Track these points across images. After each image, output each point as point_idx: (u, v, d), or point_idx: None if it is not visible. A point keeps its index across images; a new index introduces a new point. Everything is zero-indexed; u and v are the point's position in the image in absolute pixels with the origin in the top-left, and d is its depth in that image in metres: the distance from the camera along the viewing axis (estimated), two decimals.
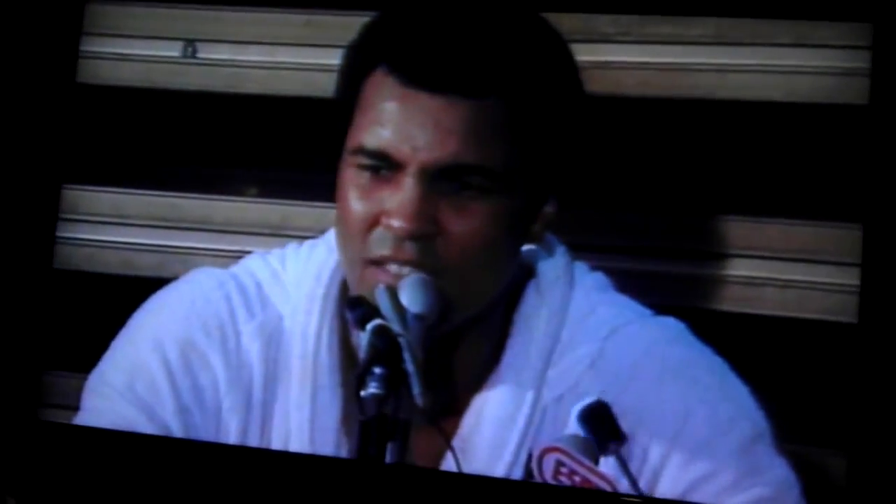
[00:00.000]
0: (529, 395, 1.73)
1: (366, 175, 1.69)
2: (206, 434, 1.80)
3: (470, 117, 1.65)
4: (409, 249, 1.65)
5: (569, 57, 1.75)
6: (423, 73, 1.65)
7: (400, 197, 1.65)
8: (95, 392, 1.87)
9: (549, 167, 1.72)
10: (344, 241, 1.73)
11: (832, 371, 1.77)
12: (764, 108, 1.82)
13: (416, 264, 1.65)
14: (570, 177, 1.75)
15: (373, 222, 1.67)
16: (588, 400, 1.67)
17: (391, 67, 1.67)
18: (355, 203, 1.69)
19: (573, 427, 1.65)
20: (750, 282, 1.82)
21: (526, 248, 1.76)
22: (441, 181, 1.66)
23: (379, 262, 1.67)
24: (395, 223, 1.65)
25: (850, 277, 1.78)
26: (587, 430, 1.65)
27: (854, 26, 1.81)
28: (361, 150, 1.69)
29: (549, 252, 1.79)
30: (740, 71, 1.84)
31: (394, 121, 1.66)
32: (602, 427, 1.64)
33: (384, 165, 1.67)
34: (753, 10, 1.83)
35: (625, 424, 1.69)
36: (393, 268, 1.66)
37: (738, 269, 1.83)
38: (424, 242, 1.65)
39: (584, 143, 1.77)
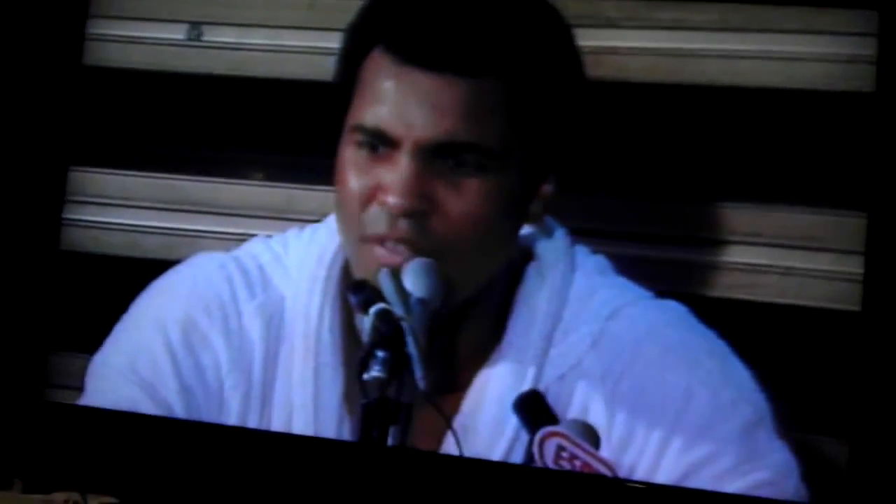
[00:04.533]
0: (531, 373, 1.73)
1: (363, 153, 1.69)
2: (207, 413, 1.81)
3: (465, 96, 1.66)
4: (404, 227, 1.66)
5: (567, 36, 1.75)
6: (419, 51, 1.66)
7: (395, 174, 1.66)
8: (98, 375, 1.88)
9: (546, 146, 1.72)
10: (341, 217, 1.74)
11: (834, 358, 1.77)
12: (768, 95, 1.82)
13: (411, 242, 1.65)
14: (569, 156, 1.75)
15: (369, 198, 1.68)
16: (523, 390, 1.70)
17: (388, 47, 1.68)
18: (352, 179, 1.70)
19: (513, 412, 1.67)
20: (752, 268, 1.82)
21: (526, 231, 1.77)
22: (436, 159, 1.66)
23: (375, 240, 1.67)
24: (390, 199, 1.66)
25: (852, 265, 1.78)
26: (522, 418, 1.66)
27: (859, 13, 1.80)
28: (359, 129, 1.70)
29: (549, 235, 1.79)
30: (745, 57, 1.84)
31: (390, 99, 1.67)
32: (537, 414, 1.65)
33: (381, 143, 1.68)
34: None
35: (626, 405, 1.70)
36: (389, 245, 1.67)
37: (741, 255, 1.83)
38: (419, 220, 1.66)
39: (583, 123, 1.77)
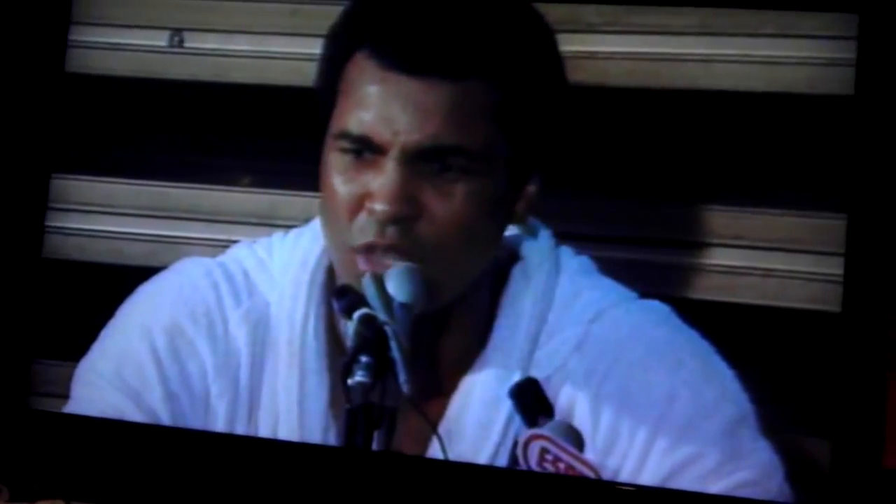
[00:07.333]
0: (516, 377, 1.74)
1: (349, 158, 1.70)
2: (194, 420, 1.82)
3: (449, 99, 1.67)
4: (392, 234, 1.67)
5: (549, 38, 1.76)
6: (403, 55, 1.67)
7: (382, 180, 1.67)
8: (84, 381, 1.89)
9: (530, 148, 1.73)
10: (328, 225, 1.75)
11: (816, 358, 1.78)
12: (749, 98, 1.83)
13: (398, 250, 1.66)
14: (552, 157, 1.76)
15: (356, 206, 1.69)
16: (518, 377, 1.72)
17: (371, 51, 1.69)
18: (339, 186, 1.70)
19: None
20: (733, 271, 1.83)
21: (511, 232, 1.78)
22: (422, 163, 1.67)
23: (362, 251, 1.68)
24: (378, 206, 1.67)
25: (832, 267, 1.79)
26: (517, 406, 1.67)
27: (839, 17, 1.82)
28: (344, 135, 1.70)
29: (534, 236, 1.80)
30: (725, 61, 1.85)
31: (375, 104, 1.68)
32: (532, 402, 1.66)
33: (367, 149, 1.69)
34: (738, 0, 1.84)
35: (610, 406, 1.71)
36: (377, 256, 1.67)
37: (722, 258, 1.84)
38: (406, 225, 1.67)
39: (566, 124, 1.78)
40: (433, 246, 1.67)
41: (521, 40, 1.73)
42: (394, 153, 1.67)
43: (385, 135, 1.67)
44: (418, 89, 1.67)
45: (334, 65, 1.75)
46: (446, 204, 1.68)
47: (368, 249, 1.68)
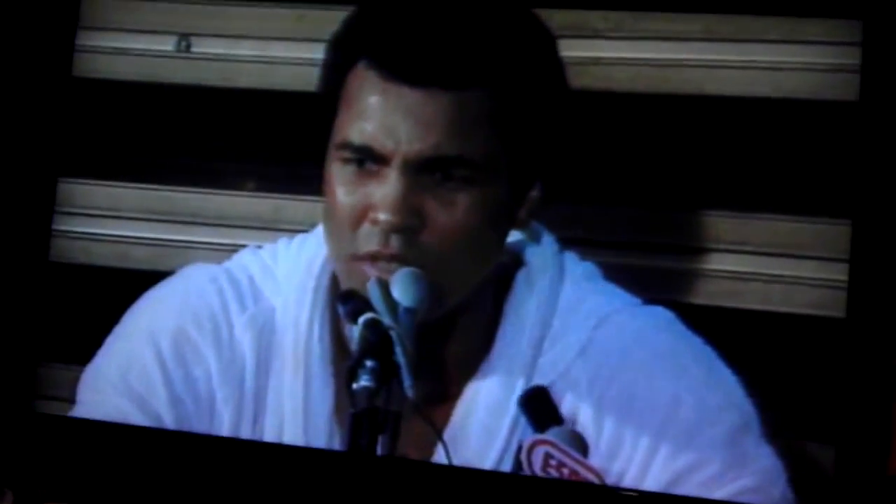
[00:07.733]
0: (520, 383, 1.74)
1: (351, 169, 1.71)
2: (199, 425, 1.82)
3: (451, 109, 1.67)
4: (395, 243, 1.67)
5: (550, 45, 1.76)
6: (404, 66, 1.67)
7: (385, 190, 1.67)
8: (89, 386, 1.89)
9: (533, 155, 1.73)
10: (332, 234, 1.75)
11: (820, 364, 1.78)
12: (753, 104, 1.84)
13: (402, 258, 1.67)
14: (555, 164, 1.77)
15: (360, 217, 1.70)
16: (529, 385, 1.72)
17: (372, 62, 1.69)
18: (343, 197, 1.71)
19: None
20: (737, 276, 1.83)
21: (515, 237, 1.78)
22: (425, 173, 1.68)
23: (366, 258, 1.68)
24: (381, 216, 1.67)
25: (837, 272, 1.79)
26: (527, 415, 1.67)
27: (843, 23, 1.82)
28: (346, 145, 1.71)
29: (537, 241, 1.81)
30: (729, 67, 1.85)
31: (377, 115, 1.68)
32: (542, 411, 1.67)
33: (369, 159, 1.69)
34: (743, 6, 1.84)
35: (614, 412, 1.71)
36: (381, 264, 1.67)
37: (726, 263, 1.84)
38: (410, 235, 1.68)
39: (568, 132, 1.78)
40: (436, 255, 1.68)
41: (520, 49, 1.73)
42: (396, 163, 1.67)
43: (387, 145, 1.68)
44: (419, 100, 1.67)
45: (335, 74, 1.75)
46: (449, 214, 1.68)
47: (372, 258, 1.68)
